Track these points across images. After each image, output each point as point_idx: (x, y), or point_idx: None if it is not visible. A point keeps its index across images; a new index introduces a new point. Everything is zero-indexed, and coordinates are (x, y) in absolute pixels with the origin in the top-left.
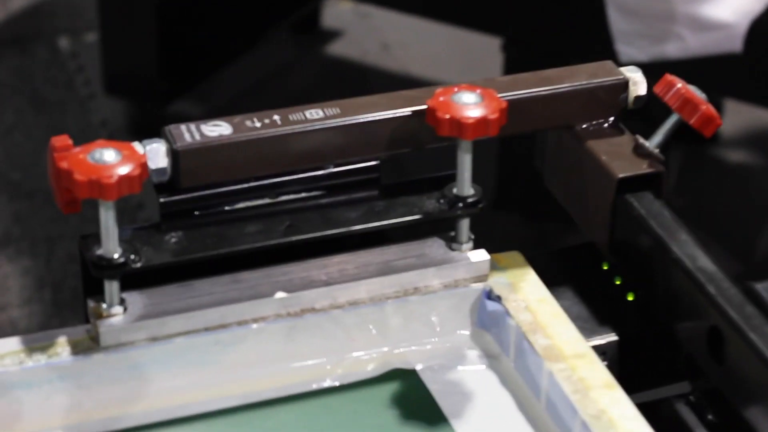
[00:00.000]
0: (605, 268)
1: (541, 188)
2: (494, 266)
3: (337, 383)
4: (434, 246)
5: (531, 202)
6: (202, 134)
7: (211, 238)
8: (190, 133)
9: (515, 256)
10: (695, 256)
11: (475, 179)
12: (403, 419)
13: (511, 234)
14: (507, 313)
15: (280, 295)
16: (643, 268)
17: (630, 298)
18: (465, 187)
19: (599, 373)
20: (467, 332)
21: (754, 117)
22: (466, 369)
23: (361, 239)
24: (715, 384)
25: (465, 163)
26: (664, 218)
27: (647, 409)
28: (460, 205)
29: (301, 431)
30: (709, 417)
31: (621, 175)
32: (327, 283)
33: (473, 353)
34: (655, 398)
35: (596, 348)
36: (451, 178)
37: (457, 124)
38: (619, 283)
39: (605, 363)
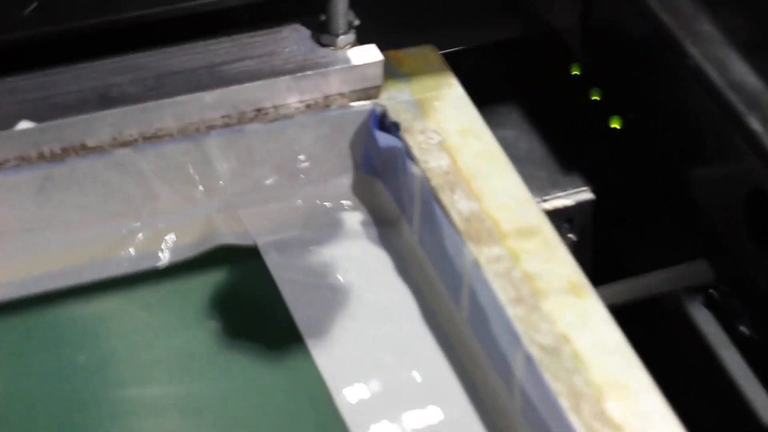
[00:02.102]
0: (574, 72)
1: None
2: (392, 71)
3: (129, 271)
4: (292, 38)
5: None
6: None
7: None
8: None
9: (427, 53)
10: (726, 63)
11: None
12: (228, 340)
13: (422, 17)
14: (408, 153)
15: (24, 125)
16: (637, 77)
17: (614, 125)
18: None
19: (560, 265)
20: (345, 181)
21: None
22: (341, 246)
23: (170, 27)
24: (750, 272)
25: None
26: None
27: (642, 312)
28: None
29: (81, 349)
30: (738, 324)
31: None
32: (106, 104)
33: (353, 218)
34: (653, 292)
35: (556, 213)
36: None
37: None
38: (596, 100)
39: (571, 239)
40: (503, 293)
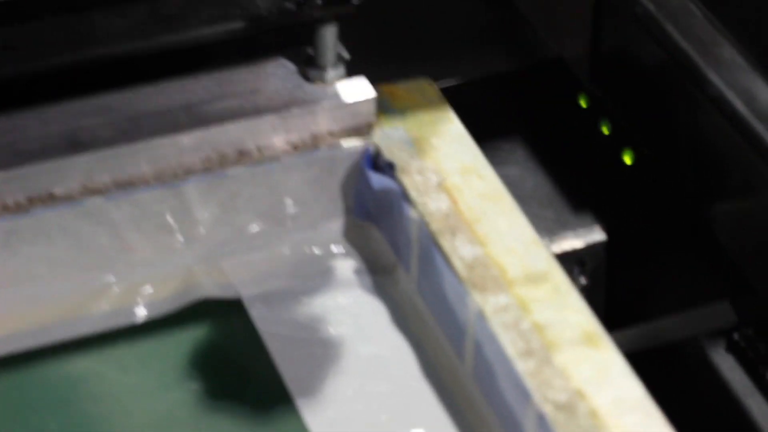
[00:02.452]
0: (583, 105)
1: None
2: (385, 107)
3: (102, 329)
4: (277, 73)
5: None
6: None
7: None
8: None
9: (423, 86)
10: (751, 91)
11: None
12: (212, 402)
13: (417, 48)
14: (405, 195)
15: None
16: (651, 109)
17: (627, 160)
18: None
19: (573, 313)
20: (336, 227)
21: None
22: (333, 297)
23: (143, 65)
24: None
25: None
26: (691, 18)
27: (660, 360)
28: (318, 0)
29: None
30: (765, 370)
31: None
32: (75, 149)
33: (346, 266)
34: (672, 337)
35: (567, 256)
36: None
37: None
38: (606, 133)
39: (583, 283)
40: (512, 346)
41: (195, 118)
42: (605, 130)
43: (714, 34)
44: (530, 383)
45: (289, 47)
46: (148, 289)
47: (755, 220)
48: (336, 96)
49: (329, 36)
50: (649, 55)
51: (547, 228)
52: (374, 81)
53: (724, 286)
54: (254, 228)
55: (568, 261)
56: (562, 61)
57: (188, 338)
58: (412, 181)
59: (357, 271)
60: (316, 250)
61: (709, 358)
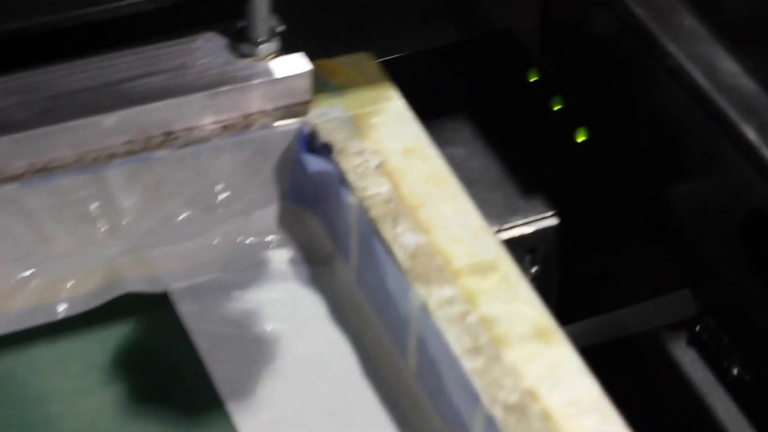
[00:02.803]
0: (533, 79)
1: None
2: (322, 84)
3: (19, 327)
4: (205, 48)
5: None
6: None
7: None
8: None
9: (363, 61)
10: (714, 62)
11: None
12: (137, 406)
13: (355, 20)
14: (343, 178)
15: None
16: (606, 82)
17: (580, 138)
18: None
19: (523, 305)
20: (270, 214)
21: None
22: (267, 290)
23: (61, 40)
24: (744, 303)
25: None
26: None
27: (617, 354)
28: None
29: None
30: (728, 364)
31: None
32: None
33: (281, 256)
34: (630, 330)
35: (517, 243)
36: None
37: None
38: (558, 109)
39: (534, 273)
40: (458, 342)
41: (118, 98)
42: (557, 106)
43: (673, 2)
44: (478, 383)
45: (218, 21)
46: (68, 284)
47: (717, 201)
48: (269, 72)
49: (261, 6)
50: (604, 25)
51: (495, 213)
52: (311, 56)
53: (684, 274)
54: (182, 216)
55: (518, 249)
56: (511, 33)
57: (112, 336)
58: (350, 163)
59: (292, 262)
60: (249, 240)
61: (670, 352)
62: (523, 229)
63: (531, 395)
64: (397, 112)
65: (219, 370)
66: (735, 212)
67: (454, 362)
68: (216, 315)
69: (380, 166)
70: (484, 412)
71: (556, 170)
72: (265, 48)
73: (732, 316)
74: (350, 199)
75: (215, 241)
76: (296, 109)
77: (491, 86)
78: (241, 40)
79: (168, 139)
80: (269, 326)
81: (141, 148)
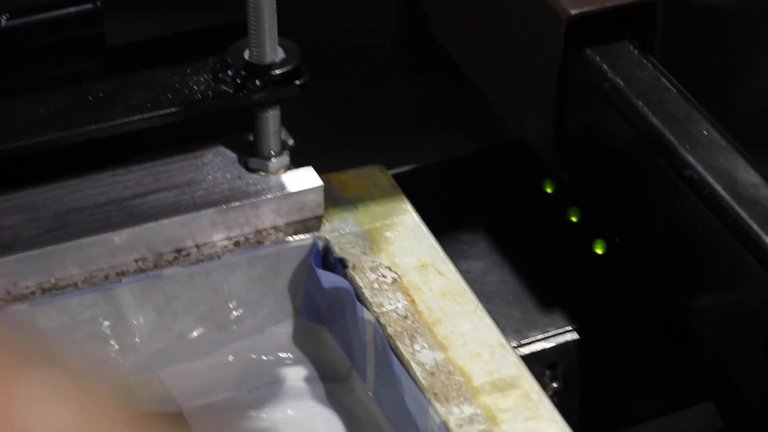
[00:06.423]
0: (548, 190)
1: (431, 47)
2: (334, 198)
3: None
4: (215, 162)
5: (413, 64)
6: None
7: None
8: None
9: (375, 174)
10: (733, 173)
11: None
12: None
13: (367, 132)
14: (358, 294)
15: None
16: (623, 194)
17: (598, 250)
18: (266, 45)
19: (545, 423)
20: (284, 331)
21: None
22: (282, 408)
23: (69, 156)
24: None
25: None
26: (663, 93)
27: None
28: (258, 81)
29: None
30: None
31: (574, 12)
32: None
33: (296, 374)
34: None
35: (536, 359)
36: (241, 30)
37: None
38: (575, 221)
39: (555, 388)
40: None
41: (127, 215)
42: (574, 218)
43: (689, 111)
44: None
45: (228, 134)
46: None
47: (738, 314)
48: (280, 187)
49: (271, 121)
50: (619, 135)
51: (513, 328)
52: (323, 171)
53: (706, 388)
54: (195, 334)
55: (538, 364)
56: (525, 144)
57: None
58: (365, 279)
59: (308, 380)
60: (263, 357)
61: None
62: (542, 344)
63: None
64: (411, 225)
65: None
66: (759, 325)
67: None
68: None
69: (395, 282)
70: None
71: (574, 283)
72: (276, 162)
73: (756, 430)
74: (366, 315)
75: (229, 360)
76: (309, 224)
77: (506, 198)
78: (250, 154)
79: (179, 256)
80: None
81: (152, 265)
